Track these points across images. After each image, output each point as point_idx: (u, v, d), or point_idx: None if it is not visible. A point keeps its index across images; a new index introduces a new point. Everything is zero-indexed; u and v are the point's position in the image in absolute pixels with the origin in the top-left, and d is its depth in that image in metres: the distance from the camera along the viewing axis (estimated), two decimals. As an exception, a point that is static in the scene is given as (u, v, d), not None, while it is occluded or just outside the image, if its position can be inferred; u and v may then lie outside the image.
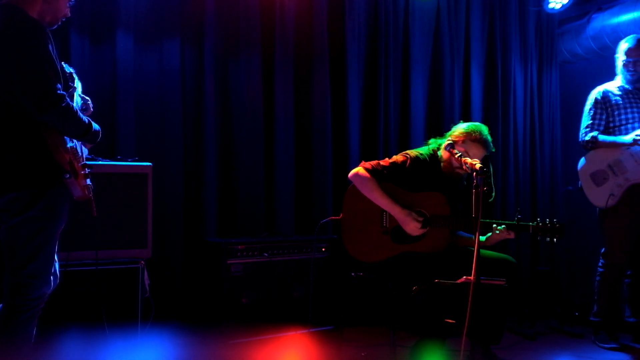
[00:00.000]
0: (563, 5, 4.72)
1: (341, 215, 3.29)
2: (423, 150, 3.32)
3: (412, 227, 3.09)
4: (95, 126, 2.35)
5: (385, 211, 3.18)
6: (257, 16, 4.04)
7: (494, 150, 3.25)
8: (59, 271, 2.37)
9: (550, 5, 4.75)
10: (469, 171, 2.76)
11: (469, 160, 2.76)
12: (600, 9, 4.75)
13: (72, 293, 2.86)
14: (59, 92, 2.13)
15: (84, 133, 2.28)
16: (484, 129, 3.20)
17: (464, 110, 4.79)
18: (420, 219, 3.09)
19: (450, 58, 4.71)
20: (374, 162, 3.22)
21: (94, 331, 2.87)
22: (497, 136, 4.83)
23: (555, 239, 2.98)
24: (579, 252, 4.97)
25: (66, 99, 2.16)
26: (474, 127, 3.20)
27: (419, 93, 4.61)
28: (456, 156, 2.96)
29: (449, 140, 3.16)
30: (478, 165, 2.62)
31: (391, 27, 4.51)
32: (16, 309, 2.17)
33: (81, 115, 2.26)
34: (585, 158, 3.81)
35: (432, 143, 3.32)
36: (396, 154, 3.34)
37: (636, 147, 3.58)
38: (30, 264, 2.18)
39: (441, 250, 3.14)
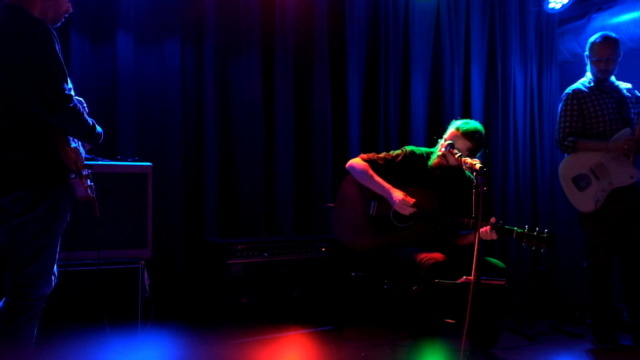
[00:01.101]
0: (563, 5, 4.72)
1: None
2: (422, 148, 3.40)
3: (401, 203, 3.12)
4: (98, 128, 2.35)
5: (373, 200, 3.27)
6: (257, 16, 4.04)
7: (482, 144, 3.24)
8: (57, 271, 2.37)
9: (550, 5, 4.75)
10: (469, 171, 2.77)
11: (468, 160, 2.78)
12: (600, 9, 4.75)
13: (72, 293, 2.86)
14: (66, 92, 2.13)
15: (88, 134, 2.29)
16: (470, 123, 3.21)
17: (464, 110, 4.79)
18: (412, 200, 3.14)
19: (450, 58, 4.72)
20: (370, 154, 3.40)
21: (94, 331, 2.87)
22: (497, 136, 4.84)
23: (542, 250, 2.86)
24: (579, 252, 4.96)
25: (73, 100, 2.17)
26: (462, 122, 3.25)
27: (419, 93, 4.61)
28: (456, 156, 2.97)
29: (447, 140, 3.17)
30: (478, 165, 2.63)
31: (391, 27, 4.51)
32: (17, 308, 2.17)
33: (86, 116, 2.26)
34: (565, 162, 3.74)
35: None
36: None
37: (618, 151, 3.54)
38: (32, 264, 2.18)
39: (422, 241, 3.18)
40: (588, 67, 3.77)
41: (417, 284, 2.89)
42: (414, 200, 3.13)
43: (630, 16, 4.42)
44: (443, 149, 3.13)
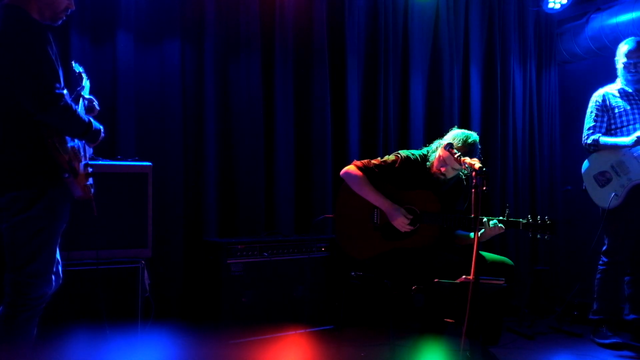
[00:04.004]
0: (562, 6, 4.73)
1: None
2: (416, 151, 3.37)
3: (400, 221, 3.12)
4: (97, 125, 2.34)
5: (377, 208, 3.23)
6: (257, 16, 4.04)
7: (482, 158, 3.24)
8: (62, 271, 2.37)
9: (550, 6, 4.76)
10: (469, 170, 2.77)
11: (468, 160, 2.78)
12: (599, 9, 4.76)
13: (72, 292, 2.86)
14: (56, 91, 2.13)
15: (84, 132, 2.28)
16: (471, 137, 3.16)
17: (463, 110, 4.80)
18: (410, 216, 3.13)
19: (450, 57, 4.72)
20: (365, 161, 3.31)
21: (94, 330, 2.88)
22: (496, 135, 4.84)
23: (546, 237, 3.00)
24: (578, 252, 4.98)
25: (64, 98, 2.16)
26: (462, 136, 3.17)
27: (418, 93, 4.62)
28: (455, 156, 2.97)
29: (447, 140, 3.15)
30: (478, 165, 2.64)
31: (390, 27, 4.51)
32: (17, 308, 2.18)
33: (81, 114, 2.26)
34: (589, 160, 3.84)
35: (432, 145, 3.35)
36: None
37: (638, 147, 3.60)
38: (30, 263, 2.18)
39: (430, 245, 3.16)
40: (619, 72, 3.81)
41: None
42: (411, 217, 3.13)
43: (628, 16, 4.43)
44: (444, 149, 3.12)
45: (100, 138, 2.39)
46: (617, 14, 4.55)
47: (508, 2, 4.96)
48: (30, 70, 2.11)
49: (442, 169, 3.18)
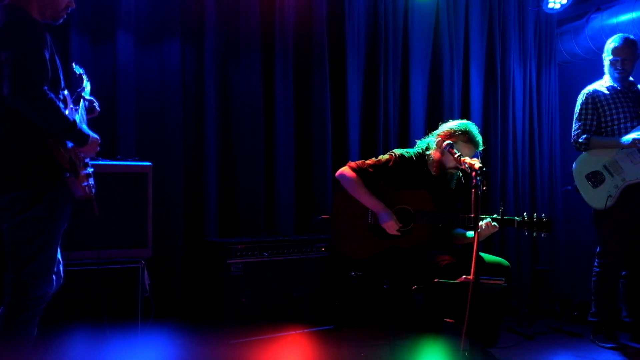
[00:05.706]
0: (562, 6, 4.73)
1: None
2: (411, 150, 3.37)
3: (389, 224, 3.14)
4: (89, 133, 2.29)
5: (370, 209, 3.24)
6: (257, 16, 4.05)
7: (483, 147, 3.25)
8: (63, 271, 2.37)
9: (550, 6, 4.76)
10: (468, 170, 2.77)
11: (468, 159, 2.78)
12: (599, 9, 4.76)
13: (73, 293, 2.85)
14: (38, 82, 2.07)
15: (66, 130, 2.18)
16: (472, 128, 3.19)
17: (463, 110, 4.80)
18: (399, 224, 3.15)
19: (450, 57, 4.72)
20: (359, 162, 3.32)
21: (94, 330, 2.88)
22: (496, 135, 4.85)
23: (543, 234, 2.99)
24: (578, 251, 4.98)
25: (43, 89, 2.08)
26: (463, 126, 3.19)
27: (418, 93, 4.62)
28: (455, 156, 2.96)
29: (447, 140, 3.14)
30: (478, 165, 2.63)
31: (390, 27, 4.52)
32: (17, 307, 2.18)
33: (64, 112, 2.19)
34: (580, 159, 3.79)
35: (420, 143, 3.36)
36: None
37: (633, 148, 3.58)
38: (31, 263, 2.18)
39: (425, 244, 3.17)
40: (606, 69, 3.79)
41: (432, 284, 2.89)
42: (400, 225, 3.14)
43: (628, 16, 4.44)
44: (443, 149, 3.11)
45: (89, 142, 2.29)
46: (617, 14, 4.55)
47: (508, 2, 4.97)
48: (16, 60, 2.07)
49: (450, 165, 3.18)
